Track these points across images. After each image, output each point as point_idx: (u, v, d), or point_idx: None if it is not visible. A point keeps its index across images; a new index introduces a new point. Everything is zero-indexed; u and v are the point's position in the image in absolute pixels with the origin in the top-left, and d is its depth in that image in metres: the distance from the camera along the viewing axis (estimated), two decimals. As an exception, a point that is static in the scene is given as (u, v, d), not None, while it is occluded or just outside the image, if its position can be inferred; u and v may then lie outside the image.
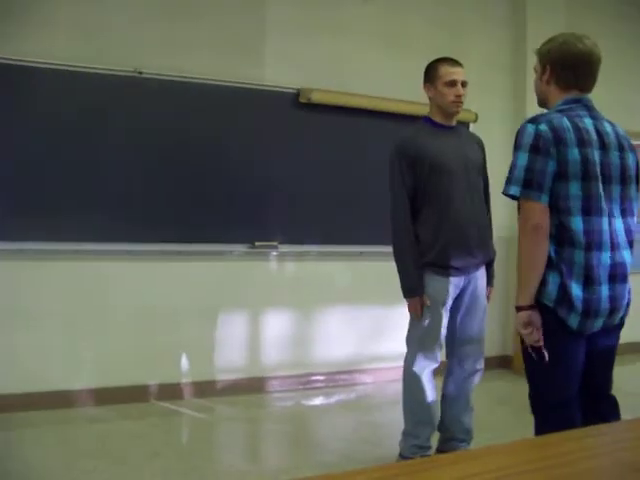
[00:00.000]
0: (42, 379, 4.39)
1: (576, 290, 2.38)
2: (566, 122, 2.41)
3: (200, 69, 4.70)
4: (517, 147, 2.43)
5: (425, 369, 3.40)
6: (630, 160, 2.54)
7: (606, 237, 2.42)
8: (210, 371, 4.87)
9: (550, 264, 2.42)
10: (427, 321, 3.35)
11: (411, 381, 3.42)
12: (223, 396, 4.84)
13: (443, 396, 3.58)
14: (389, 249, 5.24)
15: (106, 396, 4.51)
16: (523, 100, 5.74)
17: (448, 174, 3.28)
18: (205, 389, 4.82)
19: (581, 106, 2.51)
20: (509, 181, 2.43)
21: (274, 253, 5.05)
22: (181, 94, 4.67)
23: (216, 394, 4.84)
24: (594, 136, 2.44)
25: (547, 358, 2.43)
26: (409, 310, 3.42)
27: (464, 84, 3.33)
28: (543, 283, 2.43)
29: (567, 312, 2.41)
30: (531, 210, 2.40)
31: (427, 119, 3.45)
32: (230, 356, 4.94)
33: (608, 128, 2.52)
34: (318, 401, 4.91)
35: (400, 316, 5.54)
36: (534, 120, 2.44)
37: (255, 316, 5.05)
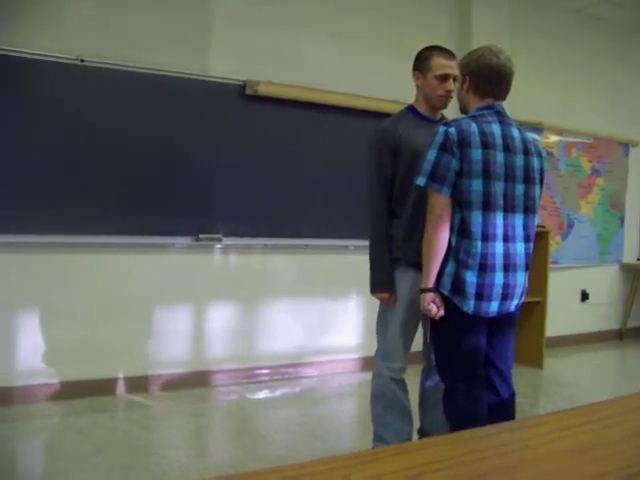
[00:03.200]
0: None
1: (470, 277, 2.69)
2: (474, 127, 2.72)
3: (145, 59, 4.63)
4: (430, 145, 2.74)
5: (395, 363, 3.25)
6: (534, 163, 2.86)
7: (501, 230, 2.73)
8: (153, 365, 4.82)
9: (450, 253, 2.73)
10: (398, 318, 3.20)
11: (379, 380, 3.28)
12: (167, 390, 4.80)
13: (422, 397, 3.47)
14: (334, 242, 5.26)
15: (47, 392, 4.43)
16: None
17: None
18: (148, 383, 4.78)
19: (493, 112, 2.81)
20: (419, 173, 2.74)
21: (218, 246, 5.02)
22: (124, 84, 4.59)
23: (160, 388, 4.80)
24: (499, 140, 2.74)
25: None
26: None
27: (455, 78, 3.12)
28: (440, 274, 2.76)
29: (461, 298, 2.73)
30: (434, 201, 2.73)
31: (411, 108, 3.28)
32: (174, 350, 4.90)
33: (515, 133, 2.82)
34: (263, 394, 4.91)
35: (345, 309, 5.63)
36: (447, 124, 2.76)
37: (199, 309, 5.02)
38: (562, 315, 6.76)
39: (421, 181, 2.72)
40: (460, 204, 2.70)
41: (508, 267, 2.75)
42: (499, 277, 2.72)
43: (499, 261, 2.71)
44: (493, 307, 2.76)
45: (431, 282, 2.75)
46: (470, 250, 2.69)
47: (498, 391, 2.93)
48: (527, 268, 2.87)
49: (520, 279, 2.82)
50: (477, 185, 2.68)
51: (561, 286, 6.73)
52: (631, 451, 1.49)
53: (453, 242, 2.72)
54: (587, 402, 1.88)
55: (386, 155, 3.17)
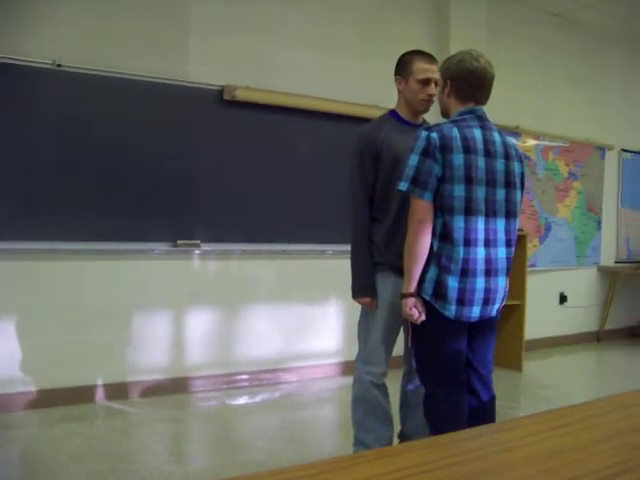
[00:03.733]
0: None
1: (452, 282, 2.69)
2: (455, 132, 2.71)
3: (122, 64, 4.60)
4: (412, 150, 2.73)
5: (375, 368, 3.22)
6: (515, 168, 2.86)
7: (483, 235, 2.74)
8: (132, 372, 4.79)
9: (432, 258, 2.73)
10: (380, 322, 3.18)
11: (360, 385, 3.25)
12: (146, 397, 4.77)
13: (403, 401, 3.46)
14: (312, 247, 5.27)
15: (24, 401, 4.38)
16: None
17: None
18: (127, 390, 4.74)
19: (474, 117, 2.81)
20: (401, 178, 2.73)
21: (197, 252, 4.99)
22: (101, 89, 4.55)
23: (139, 395, 4.77)
24: (480, 145, 2.74)
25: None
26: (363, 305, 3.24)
27: (437, 83, 3.09)
28: (421, 279, 2.76)
29: (443, 303, 2.72)
30: (416, 206, 2.72)
31: (393, 113, 3.27)
32: (153, 356, 4.87)
33: (496, 138, 2.82)
34: (243, 400, 4.89)
35: (324, 314, 5.63)
36: (429, 129, 2.75)
37: (178, 316, 4.99)
38: (541, 318, 6.81)
39: (403, 186, 2.71)
40: (442, 209, 2.70)
41: (490, 272, 2.75)
42: (480, 282, 2.73)
43: (481, 266, 2.72)
44: (475, 312, 2.76)
45: (413, 287, 2.75)
46: (452, 255, 2.68)
47: (478, 395, 2.93)
48: (508, 273, 2.88)
49: (501, 283, 2.83)
50: (459, 190, 2.67)
51: (539, 289, 6.77)
52: (608, 452, 1.50)
53: (435, 247, 2.72)
54: (566, 404, 1.89)
55: (368, 160, 3.14)
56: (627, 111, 7.93)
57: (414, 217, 2.72)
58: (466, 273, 2.69)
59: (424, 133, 2.72)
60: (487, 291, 2.76)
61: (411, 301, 2.75)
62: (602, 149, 7.63)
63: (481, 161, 2.72)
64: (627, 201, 8.05)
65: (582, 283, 7.60)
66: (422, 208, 2.70)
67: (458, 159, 2.67)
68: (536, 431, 1.63)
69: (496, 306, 2.86)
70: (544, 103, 7.02)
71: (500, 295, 2.85)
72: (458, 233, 2.68)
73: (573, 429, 1.66)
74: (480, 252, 2.72)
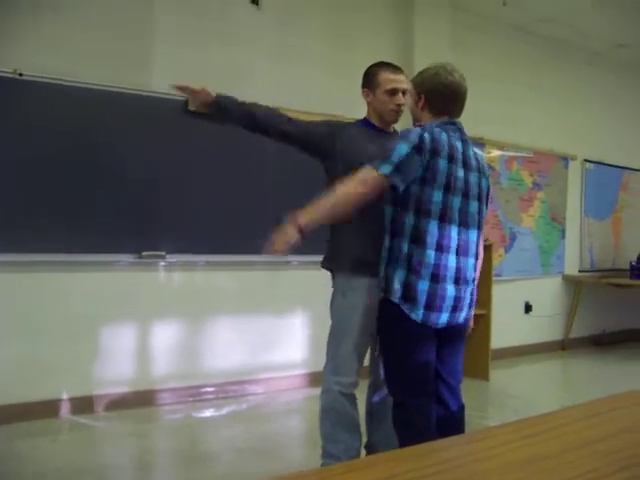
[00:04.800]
0: None
1: (422, 285, 2.68)
2: (444, 137, 2.73)
3: (85, 73, 4.55)
4: (403, 138, 2.69)
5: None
6: (483, 183, 2.90)
7: (455, 243, 2.74)
8: (97, 385, 4.71)
9: (402, 260, 2.72)
10: (354, 331, 3.11)
11: (329, 395, 3.18)
12: (111, 410, 4.69)
13: (369, 412, 3.40)
14: (278, 259, 5.26)
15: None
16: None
17: None
18: (91, 404, 4.66)
19: (455, 129, 2.84)
20: (384, 160, 2.66)
21: (162, 263, 4.94)
22: (64, 99, 4.49)
23: (104, 408, 4.70)
24: (460, 156, 2.77)
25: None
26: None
27: (404, 92, 3.11)
28: (389, 281, 2.75)
29: (411, 307, 2.71)
30: (373, 179, 2.66)
31: (366, 121, 3.25)
32: (118, 369, 4.80)
33: (471, 152, 2.86)
34: (209, 413, 4.83)
35: (290, 325, 5.61)
36: (423, 128, 2.74)
37: (143, 328, 4.93)
38: (507, 327, 6.85)
39: (386, 169, 2.64)
40: (417, 211, 2.69)
41: (459, 280, 2.76)
42: (450, 289, 2.73)
43: (451, 273, 2.72)
44: (443, 318, 2.76)
45: (310, 221, 2.66)
46: (423, 259, 2.67)
47: (447, 405, 2.91)
48: (474, 281, 2.90)
49: (468, 292, 2.85)
50: (437, 196, 2.68)
51: (505, 298, 6.82)
52: (578, 461, 1.50)
53: (405, 249, 2.71)
54: (533, 413, 1.89)
55: (342, 168, 3.03)
56: (589, 122, 8.04)
57: (364, 182, 2.67)
58: (436, 279, 2.69)
59: (419, 129, 2.71)
60: (457, 299, 2.77)
61: (298, 237, 2.62)
62: (565, 159, 7.72)
63: (460, 172, 2.74)
64: (590, 211, 8.15)
65: (547, 292, 7.67)
66: (377, 182, 2.67)
67: (443, 164, 2.68)
68: (507, 441, 1.62)
69: (463, 314, 2.86)
70: (508, 114, 7.09)
71: (467, 302, 2.85)
72: (432, 237, 2.68)
73: (543, 438, 1.65)
74: (452, 260, 2.72)
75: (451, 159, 2.71)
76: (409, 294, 2.70)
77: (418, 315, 2.70)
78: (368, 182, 2.67)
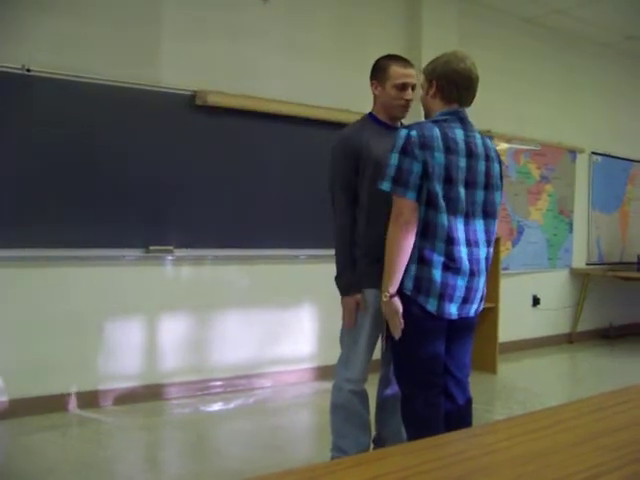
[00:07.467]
0: None
1: (435, 276, 2.69)
2: (436, 131, 2.72)
3: (93, 69, 4.55)
4: (392, 149, 2.72)
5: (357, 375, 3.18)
6: (495, 169, 2.89)
7: (464, 234, 2.74)
8: (105, 379, 4.73)
9: (413, 253, 2.71)
10: (366, 329, 3.13)
11: (340, 393, 3.21)
12: (120, 405, 4.71)
13: (379, 405, 3.43)
14: (285, 252, 5.26)
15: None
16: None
17: None
18: (101, 398, 4.68)
19: (456, 118, 2.83)
20: (383, 177, 2.71)
21: (169, 258, 4.95)
22: (72, 95, 4.50)
23: (112, 403, 4.71)
24: (462, 145, 2.76)
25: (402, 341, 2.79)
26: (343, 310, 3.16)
27: (413, 87, 3.12)
28: (403, 274, 2.72)
29: (425, 297, 2.71)
30: (402, 206, 2.69)
31: (372, 116, 3.22)
32: (126, 363, 4.81)
33: (478, 140, 2.85)
34: (217, 407, 4.85)
35: (297, 319, 5.61)
36: (409, 127, 2.76)
37: (151, 322, 4.94)
38: (514, 320, 6.84)
39: (386, 186, 2.69)
40: (425, 206, 2.69)
41: (471, 271, 2.75)
42: (462, 280, 2.73)
43: (461, 265, 2.72)
44: (453, 309, 2.75)
45: (396, 286, 2.71)
46: (434, 251, 2.68)
47: (455, 398, 2.92)
48: (486, 272, 2.88)
49: (480, 283, 2.83)
50: (439, 189, 2.67)
51: (512, 292, 6.81)
52: (585, 455, 1.50)
53: (416, 242, 2.70)
54: (540, 406, 1.90)
55: (351, 163, 3.09)
56: (597, 114, 8.01)
57: (400, 217, 2.68)
58: (448, 269, 2.69)
59: (404, 131, 2.72)
60: (468, 290, 2.76)
61: (396, 301, 2.71)
62: (573, 152, 7.70)
63: (462, 161, 2.73)
64: (597, 204, 8.12)
65: (554, 285, 7.65)
66: (408, 208, 2.67)
67: (439, 158, 2.67)
68: (514, 434, 1.63)
69: (474, 306, 2.85)
70: (516, 107, 7.06)
71: (479, 295, 2.85)
72: (441, 230, 2.68)
73: (551, 432, 1.66)
74: (463, 251, 2.72)
75: (448, 150, 2.70)
76: (422, 285, 2.70)
77: (433, 305, 2.70)
78: (403, 215, 2.68)
